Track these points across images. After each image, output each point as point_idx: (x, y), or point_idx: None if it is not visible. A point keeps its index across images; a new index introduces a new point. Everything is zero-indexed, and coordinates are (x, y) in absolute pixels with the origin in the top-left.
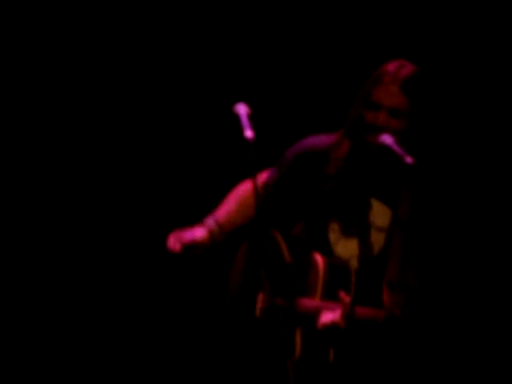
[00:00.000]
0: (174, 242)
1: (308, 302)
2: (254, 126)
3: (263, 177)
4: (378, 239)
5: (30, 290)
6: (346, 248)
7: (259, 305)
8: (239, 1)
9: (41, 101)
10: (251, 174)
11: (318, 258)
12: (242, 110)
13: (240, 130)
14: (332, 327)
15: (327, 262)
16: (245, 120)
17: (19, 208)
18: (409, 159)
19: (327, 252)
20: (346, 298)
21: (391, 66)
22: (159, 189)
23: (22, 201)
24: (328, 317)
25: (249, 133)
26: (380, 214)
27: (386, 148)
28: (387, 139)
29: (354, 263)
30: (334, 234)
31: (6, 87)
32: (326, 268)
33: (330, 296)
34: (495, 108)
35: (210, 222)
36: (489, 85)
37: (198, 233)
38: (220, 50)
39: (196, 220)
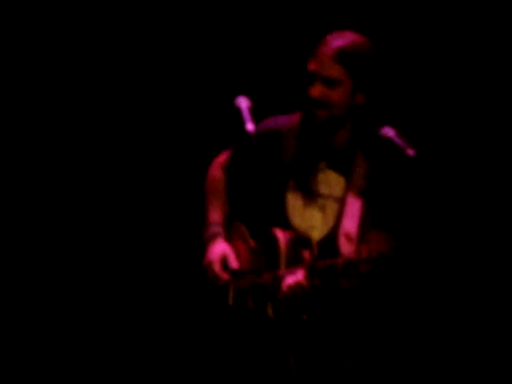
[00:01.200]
0: (221, 272)
1: (270, 274)
2: (256, 119)
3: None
4: (333, 208)
5: (30, 290)
6: (304, 219)
7: (231, 294)
8: None
9: (41, 101)
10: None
11: (279, 234)
12: (243, 103)
13: (241, 123)
14: (296, 288)
15: (288, 235)
16: (246, 113)
17: (19, 208)
18: (410, 151)
19: (286, 225)
20: (308, 255)
21: (328, 36)
22: (159, 183)
23: (22, 201)
24: (290, 279)
25: (250, 126)
26: (335, 184)
27: (388, 140)
28: (389, 132)
29: (314, 234)
30: (291, 207)
31: (5, 87)
32: (288, 241)
33: (295, 263)
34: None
35: (218, 229)
36: (477, 78)
37: (223, 246)
38: (221, 43)
39: (195, 212)
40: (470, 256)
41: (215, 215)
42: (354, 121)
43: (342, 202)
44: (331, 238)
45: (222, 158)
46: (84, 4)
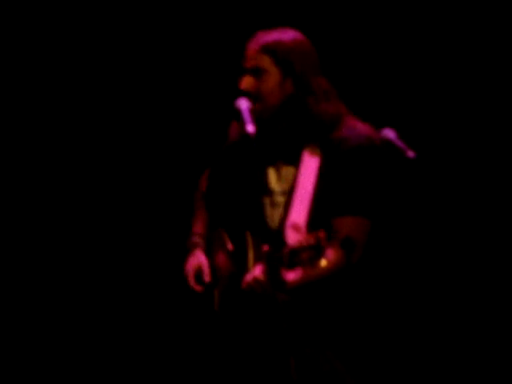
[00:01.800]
0: (194, 285)
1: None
2: (256, 120)
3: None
4: (284, 201)
5: (30, 290)
6: (274, 218)
7: (216, 299)
8: None
9: (41, 101)
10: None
11: (248, 236)
12: (243, 104)
13: (242, 124)
14: (255, 284)
15: (253, 236)
16: (246, 115)
17: (19, 208)
18: (411, 153)
19: (264, 227)
20: (265, 248)
21: (260, 31)
22: (158, 183)
23: (22, 201)
24: (249, 276)
25: (250, 127)
26: (290, 177)
27: (387, 142)
28: (389, 133)
29: (282, 230)
30: (266, 207)
31: (5, 87)
32: (254, 242)
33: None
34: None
35: (197, 239)
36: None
37: (199, 258)
38: (221, 44)
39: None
40: (467, 255)
41: (197, 225)
42: (294, 112)
43: (290, 194)
44: (280, 230)
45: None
46: (84, 4)
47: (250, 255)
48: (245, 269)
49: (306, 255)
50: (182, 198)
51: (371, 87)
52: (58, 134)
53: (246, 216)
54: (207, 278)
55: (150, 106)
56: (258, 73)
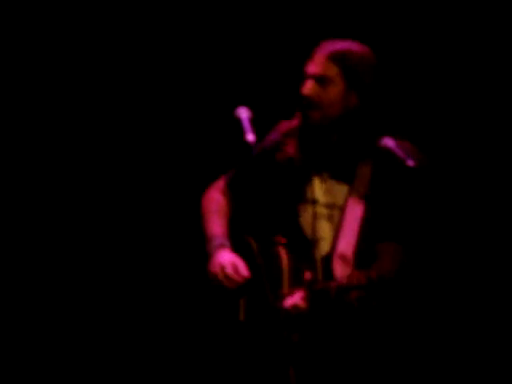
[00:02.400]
0: (235, 274)
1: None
2: (256, 129)
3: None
4: (339, 217)
5: (29, 290)
6: (315, 231)
7: (242, 308)
8: (243, 3)
9: (41, 101)
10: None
11: (282, 252)
12: (243, 113)
13: (241, 133)
14: (294, 310)
15: (290, 254)
16: (246, 124)
17: (19, 208)
18: (410, 162)
19: (300, 237)
20: (308, 276)
21: (325, 40)
22: (159, 192)
23: (22, 201)
24: (289, 301)
25: (250, 136)
26: (338, 192)
27: (387, 151)
28: (389, 142)
29: (324, 246)
30: (302, 218)
31: (5, 87)
32: (290, 260)
33: (297, 284)
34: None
35: (224, 241)
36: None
37: (233, 255)
38: (222, 53)
39: (194, 221)
40: (471, 261)
41: (219, 229)
42: (352, 126)
43: (342, 210)
44: (328, 258)
45: (221, 183)
46: (84, 4)
47: (285, 274)
48: (278, 285)
49: (355, 294)
50: (185, 200)
51: None
52: (58, 134)
53: (282, 222)
54: (246, 272)
55: (150, 114)
56: (323, 81)
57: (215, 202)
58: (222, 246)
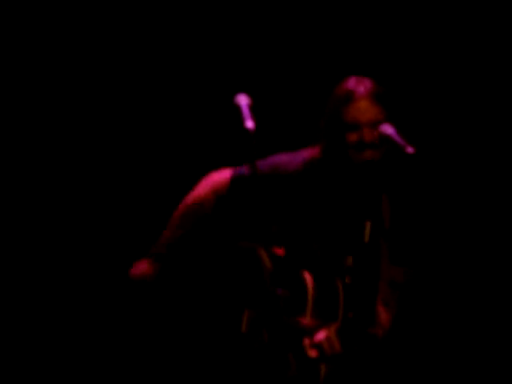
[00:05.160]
0: None
1: (302, 320)
2: (256, 117)
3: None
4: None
5: (28, 290)
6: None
7: (245, 320)
8: None
9: (40, 101)
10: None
11: (307, 276)
12: (242, 100)
13: (241, 120)
14: (327, 345)
15: (314, 280)
16: (246, 111)
17: (19, 208)
18: (410, 149)
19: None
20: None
21: (352, 84)
22: (158, 181)
23: (22, 201)
24: (322, 334)
25: (250, 123)
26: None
27: (386, 138)
28: (388, 129)
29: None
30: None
31: (5, 87)
32: (315, 286)
33: (320, 313)
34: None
35: (162, 251)
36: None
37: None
38: (221, 40)
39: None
40: (467, 255)
41: (171, 240)
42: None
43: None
44: (362, 282)
45: (219, 179)
46: (84, 4)
47: (309, 301)
48: (299, 311)
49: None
50: (183, 190)
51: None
52: (59, 134)
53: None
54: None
55: (149, 103)
56: (375, 125)
57: (199, 199)
58: (156, 256)
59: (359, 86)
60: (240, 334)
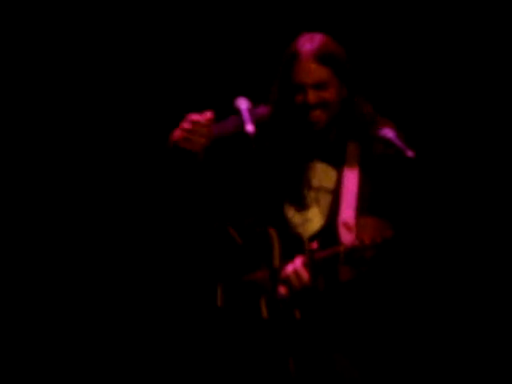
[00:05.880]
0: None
1: (265, 270)
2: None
3: None
4: (328, 200)
5: (28, 290)
6: (299, 213)
7: (219, 294)
8: None
9: (40, 101)
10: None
11: (271, 231)
12: (242, 104)
13: (241, 124)
14: (295, 277)
15: (277, 232)
16: (246, 114)
17: (19, 208)
18: (410, 153)
19: (281, 220)
20: (314, 245)
21: (300, 43)
22: (158, 181)
23: (22, 201)
24: (289, 267)
25: (249, 127)
26: (326, 176)
27: (387, 141)
28: (388, 133)
29: (309, 227)
30: (289, 209)
31: (5, 87)
32: (279, 238)
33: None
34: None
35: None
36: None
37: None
38: (221, 44)
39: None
40: (469, 253)
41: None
42: (346, 116)
43: (336, 193)
44: (330, 228)
45: None
46: (84, 4)
47: (276, 251)
48: (268, 264)
49: (367, 254)
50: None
51: (371, 84)
52: (59, 134)
53: (272, 211)
54: (209, 115)
55: (148, 105)
56: (321, 86)
57: None
58: None
59: (305, 45)
60: (216, 308)
